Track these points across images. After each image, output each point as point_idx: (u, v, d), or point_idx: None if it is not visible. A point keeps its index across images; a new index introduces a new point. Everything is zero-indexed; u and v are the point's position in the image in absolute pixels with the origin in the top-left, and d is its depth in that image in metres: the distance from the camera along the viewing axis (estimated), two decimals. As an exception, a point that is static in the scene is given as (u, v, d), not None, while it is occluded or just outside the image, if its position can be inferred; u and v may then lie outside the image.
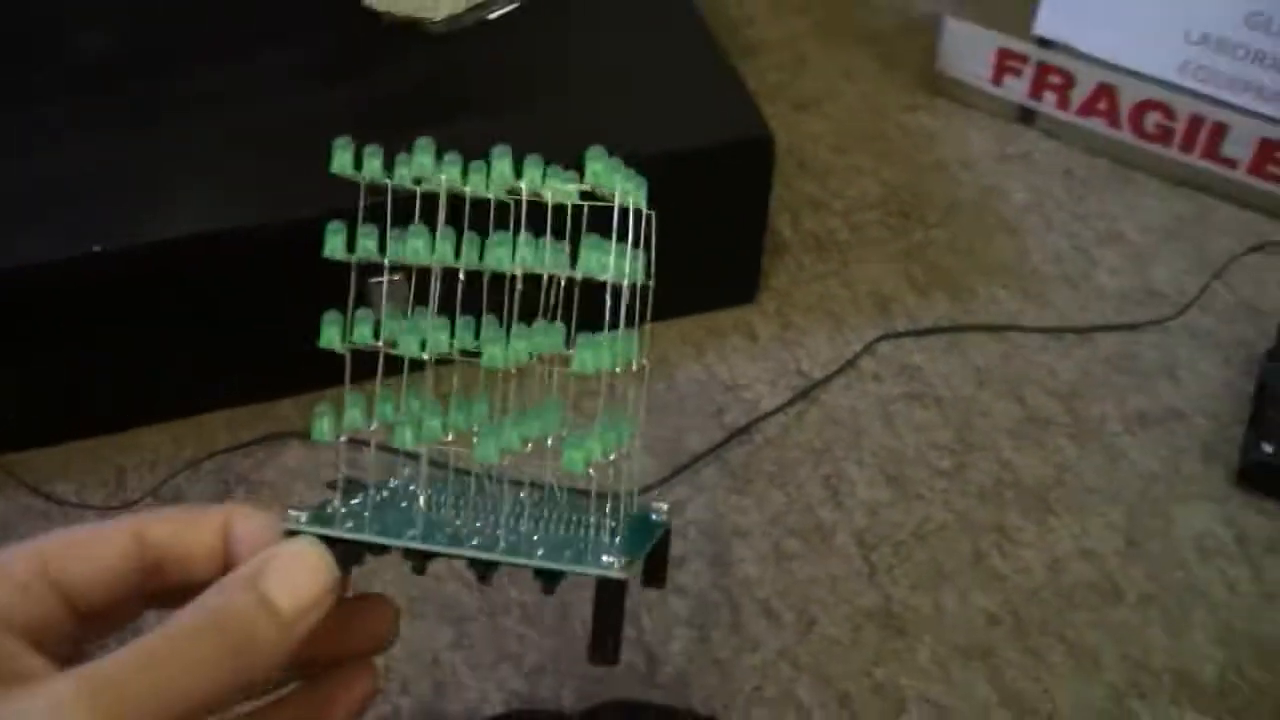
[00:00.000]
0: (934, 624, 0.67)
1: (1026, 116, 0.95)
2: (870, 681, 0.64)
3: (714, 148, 0.73)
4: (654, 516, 0.41)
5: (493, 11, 0.83)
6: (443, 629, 0.66)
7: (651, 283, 0.37)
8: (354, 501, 0.38)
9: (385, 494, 0.41)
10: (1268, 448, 0.70)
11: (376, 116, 0.74)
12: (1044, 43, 0.90)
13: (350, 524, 0.35)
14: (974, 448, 0.75)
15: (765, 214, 0.78)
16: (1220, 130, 0.86)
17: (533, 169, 0.36)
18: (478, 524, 0.38)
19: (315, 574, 0.31)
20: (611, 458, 0.36)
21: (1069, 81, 0.90)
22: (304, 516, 0.34)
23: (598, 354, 0.36)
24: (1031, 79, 0.92)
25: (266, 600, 0.29)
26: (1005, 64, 0.93)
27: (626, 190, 0.37)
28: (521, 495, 0.40)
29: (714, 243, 0.79)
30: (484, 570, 0.35)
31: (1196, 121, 0.86)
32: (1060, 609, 0.67)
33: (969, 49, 0.94)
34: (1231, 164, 0.87)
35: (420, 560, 0.35)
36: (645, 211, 0.38)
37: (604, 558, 0.35)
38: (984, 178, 0.91)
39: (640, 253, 0.38)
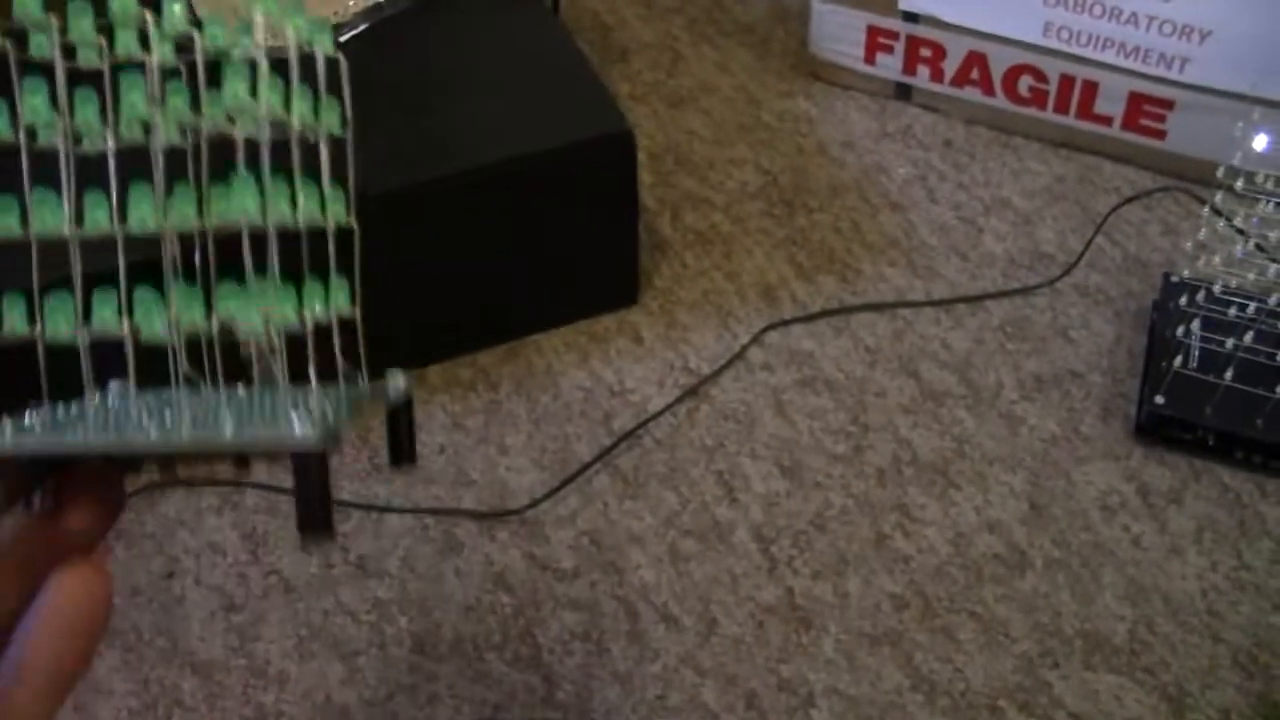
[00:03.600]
0: (839, 613, 0.64)
1: (903, 92, 0.94)
2: (777, 679, 0.62)
3: (575, 147, 0.71)
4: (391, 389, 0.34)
5: (345, 33, 0.80)
6: (333, 665, 0.63)
7: (349, 133, 0.32)
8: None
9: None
10: (1160, 399, 0.68)
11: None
12: (910, 17, 0.89)
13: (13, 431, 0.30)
14: (870, 429, 0.73)
15: (635, 212, 0.76)
16: (1092, 88, 0.85)
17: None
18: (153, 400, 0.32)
19: None
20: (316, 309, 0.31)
21: (940, 53, 0.90)
22: None
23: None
24: (904, 54, 0.91)
25: None
26: (877, 42, 0.92)
27: (306, 34, 0.31)
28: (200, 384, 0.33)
29: (589, 246, 0.77)
30: (166, 462, 0.31)
31: (1068, 81, 0.85)
32: (967, 584, 0.65)
33: (840, 30, 0.93)
34: (1106, 120, 0.86)
35: (115, 463, 0.30)
36: (334, 57, 0.31)
37: (296, 427, 0.28)
38: (865, 157, 0.90)
39: (334, 100, 0.32)
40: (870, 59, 0.93)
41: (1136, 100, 0.83)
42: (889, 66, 0.93)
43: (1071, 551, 0.67)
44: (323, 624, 0.66)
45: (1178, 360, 0.68)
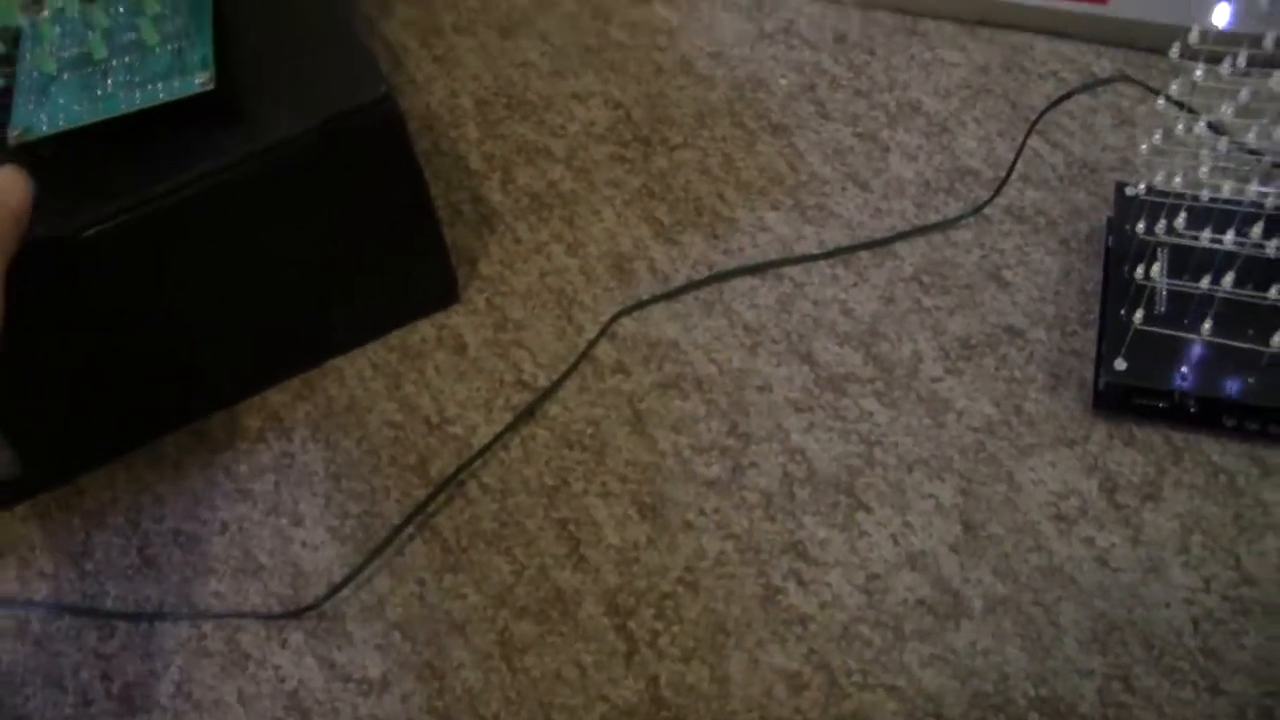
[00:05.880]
0: (718, 706, 0.49)
1: (782, -21, 0.75)
2: (641, 810, 0.47)
3: (319, 131, 0.54)
4: None
5: None
6: None
7: None
8: None
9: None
10: (1121, 364, 0.52)
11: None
12: (776, -118, 0.70)
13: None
14: (752, 439, 0.57)
15: (424, 193, 0.58)
16: (1011, -55, 0.66)
17: None
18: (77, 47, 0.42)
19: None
20: None
21: (819, -76, 0.71)
22: None
23: None
24: (776, -69, 0.73)
25: None
26: (742, -81, 0.73)
27: None
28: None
29: (381, 244, 0.60)
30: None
31: (979, -59, 0.67)
32: (884, 647, 0.50)
33: (696, -90, 0.74)
34: (1033, -15, 0.67)
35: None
36: None
37: (197, 78, 0.41)
38: (738, 69, 0.72)
39: None
40: (737, -59, 0.74)
41: (1065, -43, 0.65)
42: (761, -52, 0.74)
43: (1020, 584, 0.51)
44: None
45: (1139, 312, 0.51)
